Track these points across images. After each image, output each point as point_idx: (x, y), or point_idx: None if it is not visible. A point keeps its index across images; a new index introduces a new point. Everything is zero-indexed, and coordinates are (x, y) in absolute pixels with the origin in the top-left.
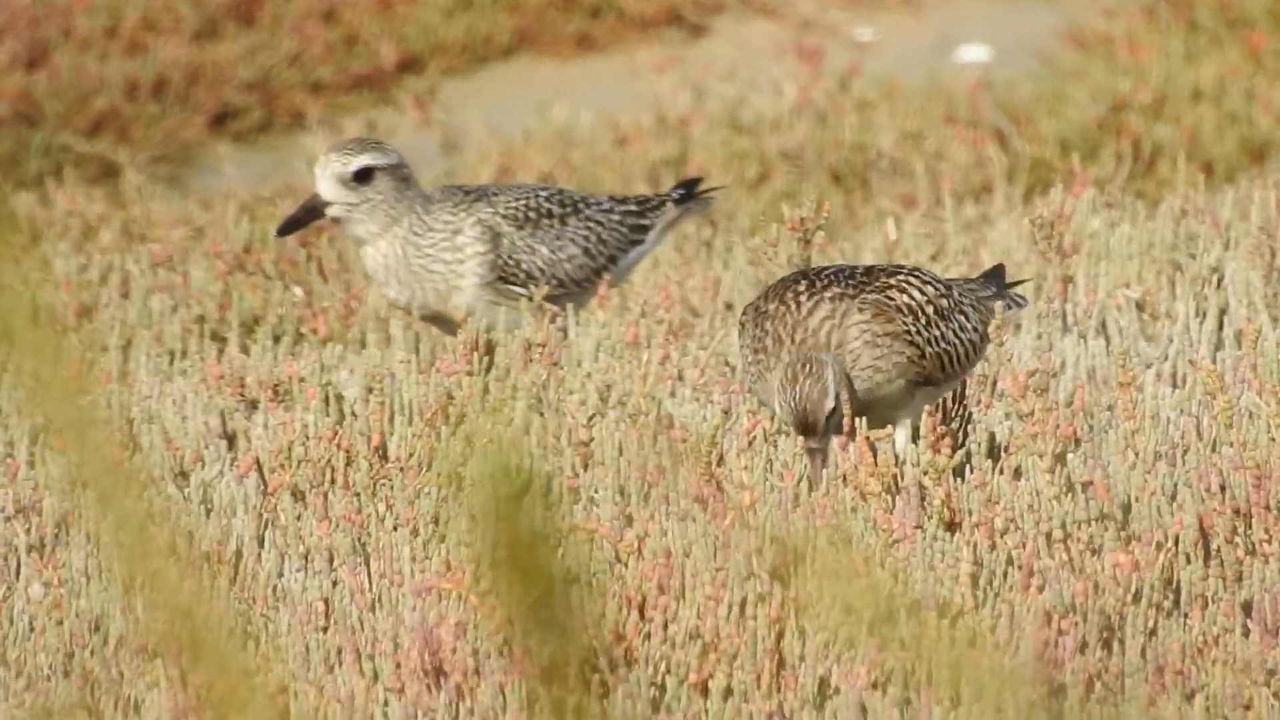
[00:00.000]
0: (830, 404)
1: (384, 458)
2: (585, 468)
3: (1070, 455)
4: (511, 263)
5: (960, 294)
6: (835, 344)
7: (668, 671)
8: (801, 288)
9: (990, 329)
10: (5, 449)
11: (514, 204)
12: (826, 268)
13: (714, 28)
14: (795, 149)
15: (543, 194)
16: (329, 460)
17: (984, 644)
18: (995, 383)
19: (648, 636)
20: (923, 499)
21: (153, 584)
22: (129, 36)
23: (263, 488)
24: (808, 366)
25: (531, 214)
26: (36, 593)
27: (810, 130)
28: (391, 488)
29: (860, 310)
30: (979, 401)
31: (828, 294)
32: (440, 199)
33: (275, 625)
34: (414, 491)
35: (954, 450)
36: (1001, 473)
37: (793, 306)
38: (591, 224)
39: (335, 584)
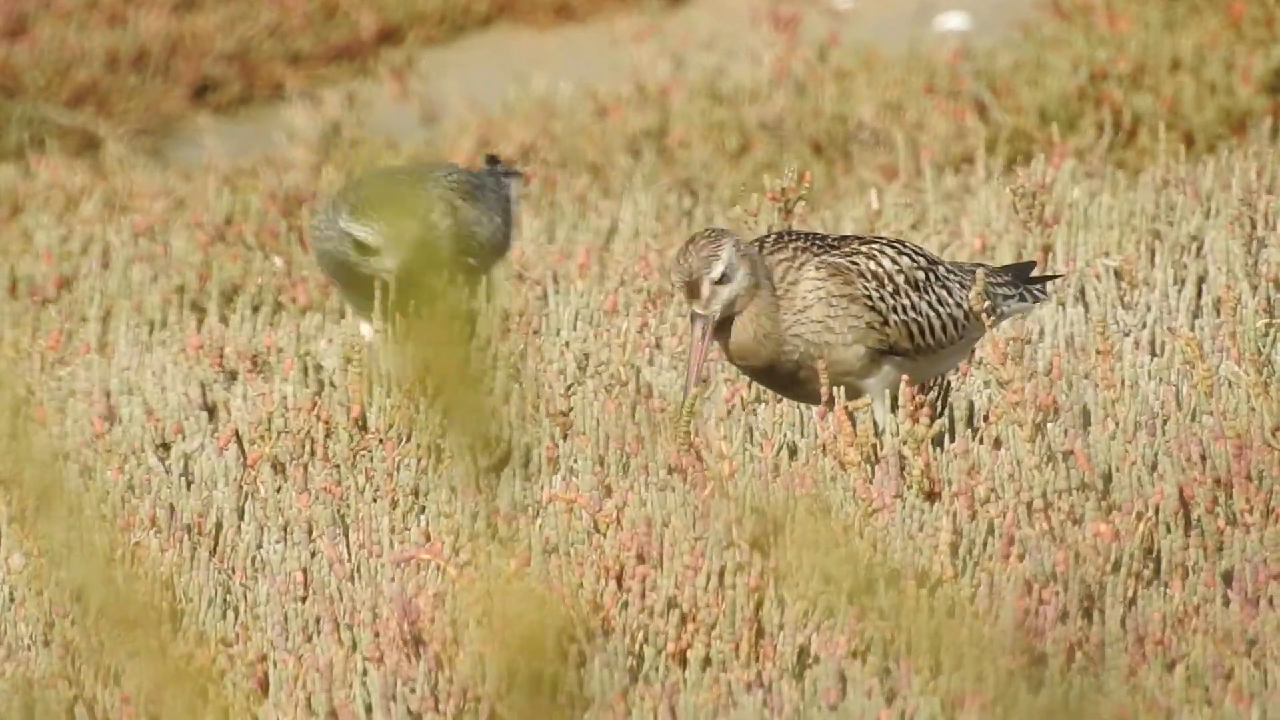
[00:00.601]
0: (719, 269)
1: (363, 429)
2: (564, 437)
3: (1050, 424)
4: (467, 234)
5: (947, 271)
6: (790, 281)
7: (646, 641)
8: (770, 239)
9: (970, 296)
10: None
11: (452, 178)
12: (806, 231)
13: None
14: (775, 119)
15: (460, 169)
16: (308, 431)
17: (964, 613)
18: (974, 351)
19: (625, 606)
20: (902, 468)
21: (134, 557)
22: (109, 8)
23: (243, 459)
24: (709, 233)
25: (468, 187)
26: (17, 563)
27: (789, 100)
28: (371, 459)
29: (818, 269)
30: (957, 370)
31: (792, 245)
32: None
33: (254, 595)
34: (393, 463)
35: (933, 419)
36: (981, 442)
37: (760, 249)
38: (499, 194)
39: (314, 555)
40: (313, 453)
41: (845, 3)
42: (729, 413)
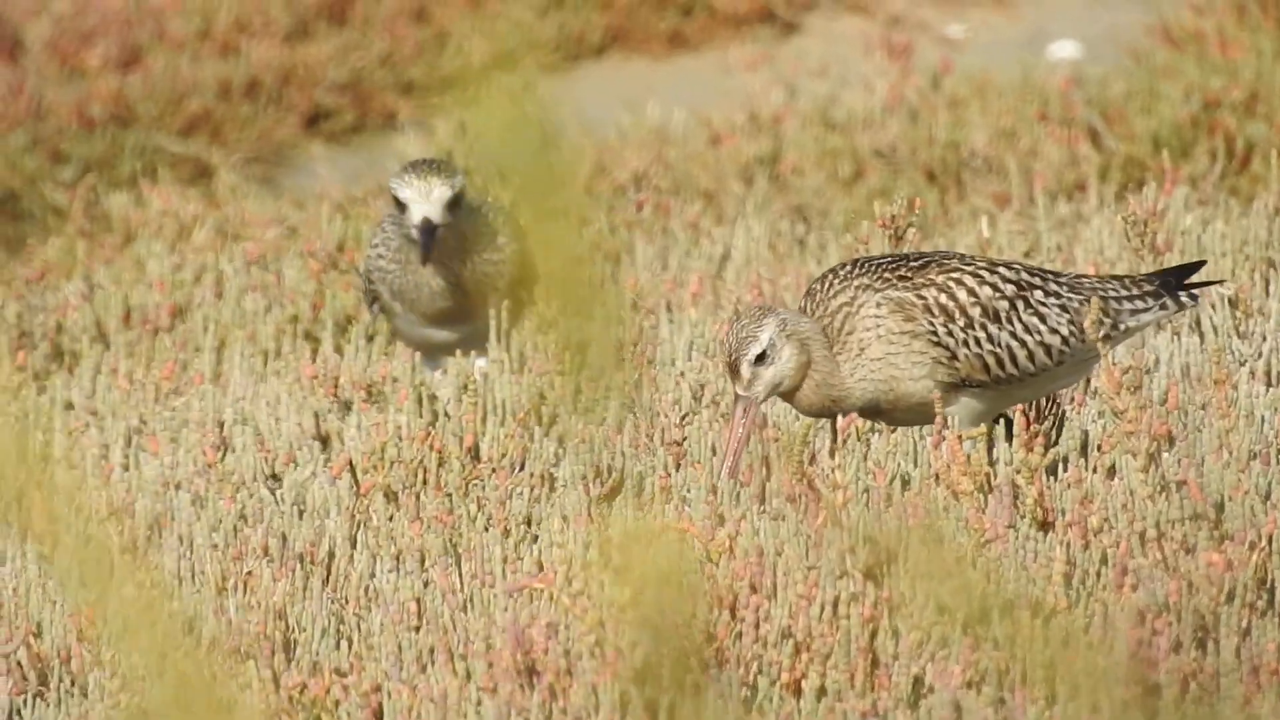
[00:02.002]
0: (754, 350)
1: (476, 458)
2: (678, 467)
3: (1165, 454)
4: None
5: (1053, 292)
6: (847, 330)
7: (760, 671)
8: (842, 272)
9: (1085, 326)
10: (100, 451)
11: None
12: (884, 256)
13: (805, 25)
14: (888, 147)
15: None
16: (421, 461)
17: (1078, 643)
18: (1089, 380)
19: (739, 636)
20: (1015, 498)
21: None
22: (221, 38)
23: (355, 489)
24: (752, 312)
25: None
26: (130, 594)
27: (903, 128)
28: (483, 488)
29: (878, 305)
30: (1071, 399)
31: (856, 282)
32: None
33: (368, 625)
34: (506, 492)
35: (1048, 448)
36: (1095, 471)
37: (824, 287)
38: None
39: (427, 584)
40: (425, 482)
41: (958, 32)
42: (843, 442)
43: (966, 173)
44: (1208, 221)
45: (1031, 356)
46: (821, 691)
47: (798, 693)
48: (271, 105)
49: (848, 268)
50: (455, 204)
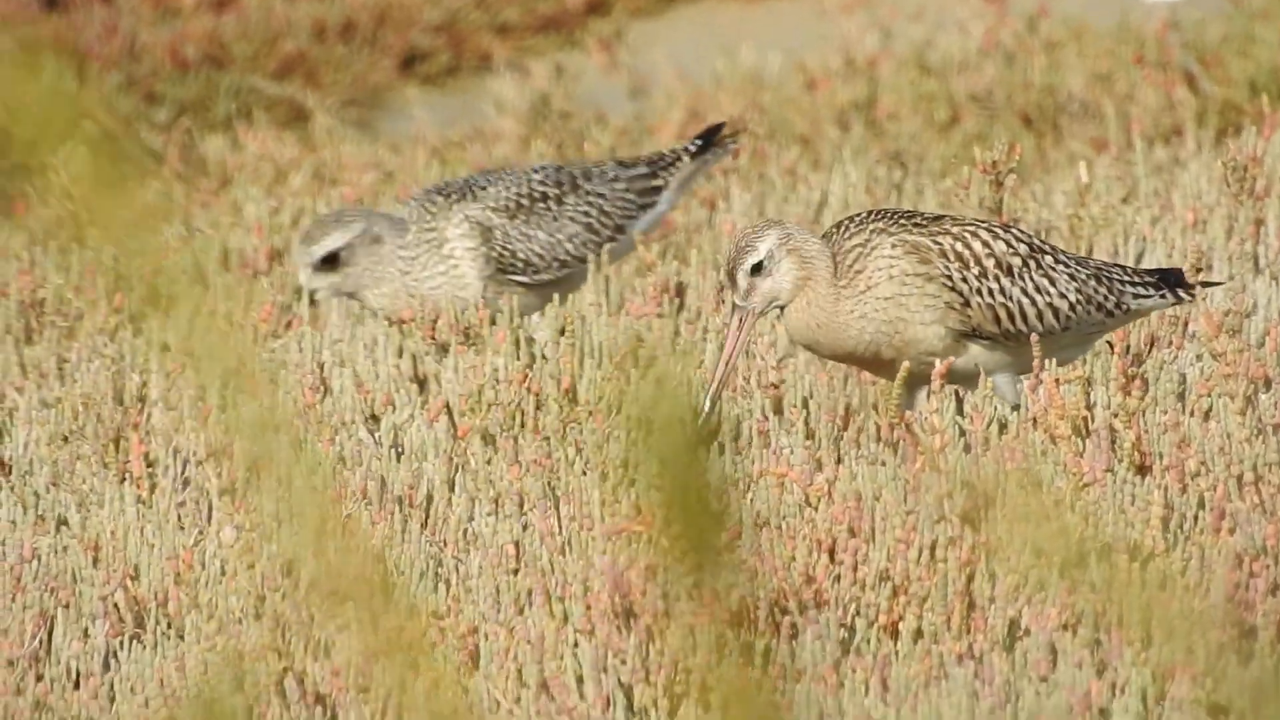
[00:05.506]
0: (753, 259)
1: (574, 401)
2: (776, 411)
3: (1262, 397)
4: (507, 253)
5: (1061, 261)
6: (857, 269)
7: (858, 614)
8: (859, 218)
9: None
10: (197, 392)
11: (503, 196)
12: (900, 210)
13: None
14: (984, 91)
15: (536, 177)
16: (519, 404)
17: (1175, 586)
18: (1186, 324)
19: (838, 579)
20: (1113, 442)
21: (345, 529)
22: None
23: (453, 431)
24: (759, 223)
25: (520, 201)
26: (228, 536)
27: (999, 72)
28: (581, 431)
29: (893, 247)
30: (1170, 343)
31: (871, 226)
32: (416, 213)
33: (466, 568)
34: (604, 435)
35: (1145, 393)
36: (1192, 414)
37: (840, 230)
38: (592, 198)
39: (525, 527)
40: (523, 425)
41: None
42: (940, 386)
43: (1063, 117)
44: None
45: (1040, 316)
46: (918, 633)
47: (895, 634)
48: (366, 47)
49: (863, 215)
50: (332, 261)
